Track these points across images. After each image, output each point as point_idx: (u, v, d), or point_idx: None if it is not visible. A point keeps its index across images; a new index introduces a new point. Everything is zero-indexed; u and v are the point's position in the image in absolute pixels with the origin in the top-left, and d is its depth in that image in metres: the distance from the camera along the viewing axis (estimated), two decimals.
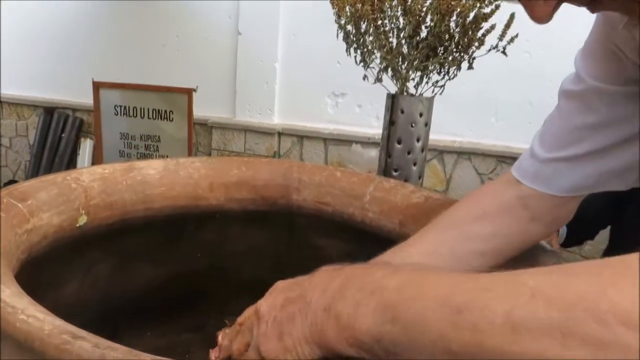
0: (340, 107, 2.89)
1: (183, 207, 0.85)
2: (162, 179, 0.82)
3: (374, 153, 2.21)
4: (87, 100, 2.75)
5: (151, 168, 0.82)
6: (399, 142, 1.03)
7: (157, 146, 2.53)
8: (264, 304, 0.49)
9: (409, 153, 1.03)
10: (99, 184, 0.73)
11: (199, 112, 2.62)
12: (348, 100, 2.86)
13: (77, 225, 0.69)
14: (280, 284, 0.51)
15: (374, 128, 2.70)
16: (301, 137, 2.92)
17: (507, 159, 2.67)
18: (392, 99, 1.07)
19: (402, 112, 1.05)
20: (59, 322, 0.43)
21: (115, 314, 0.92)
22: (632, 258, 0.31)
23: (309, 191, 0.88)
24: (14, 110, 3.46)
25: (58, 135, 3.27)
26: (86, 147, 3.23)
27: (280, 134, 2.95)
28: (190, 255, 0.95)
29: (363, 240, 0.90)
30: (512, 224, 0.67)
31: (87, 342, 0.41)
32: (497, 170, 2.79)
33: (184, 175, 0.84)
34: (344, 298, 0.40)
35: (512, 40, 1.08)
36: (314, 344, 0.42)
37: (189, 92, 2.38)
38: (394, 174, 1.03)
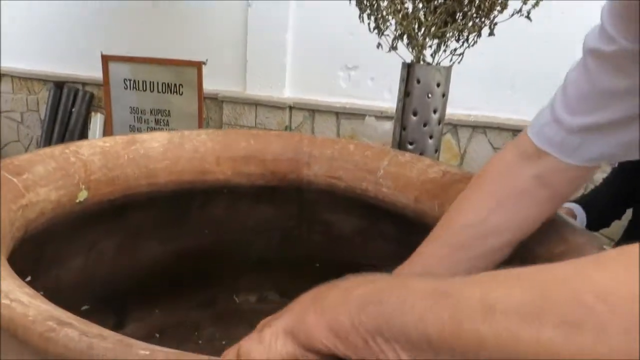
0: (353, 80, 2.83)
1: (189, 182, 0.81)
2: (166, 152, 0.78)
3: (387, 126, 2.16)
4: (97, 74, 2.72)
5: (154, 141, 0.78)
6: (415, 114, 0.98)
7: (167, 120, 2.50)
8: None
9: (425, 125, 0.98)
10: (100, 157, 0.70)
11: (209, 86, 2.57)
12: (360, 73, 2.80)
13: (77, 201, 0.66)
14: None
15: (387, 101, 2.64)
16: (313, 111, 2.87)
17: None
18: (408, 69, 1.02)
19: (418, 82, 1.00)
20: (46, 307, 0.40)
21: (123, 291, 0.90)
22: (631, 247, 0.29)
23: (320, 165, 0.84)
24: (24, 85, 3.44)
25: (69, 110, 3.25)
26: (97, 121, 3.20)
27: (291, 108, 2.90)
28: (197, 232, 0.93)
29: (376, 216, 0.86)
30: (529, 207, 0.62)
31: (74, 329, 0.37)
32: None
33: (190, 148, 0.80)
34: (332, 293, 0.38)
35: (537, 3, 1.01)
36: (290, 337, 0.38)
37: (198, 66, 2.33)
38: (409, 147, 0.98)
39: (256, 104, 2.99)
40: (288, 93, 3.02)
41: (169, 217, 0.85)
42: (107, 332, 0.38)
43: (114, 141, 0.73)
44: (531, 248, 0.61)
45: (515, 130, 2.73)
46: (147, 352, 0.36)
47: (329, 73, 2.94)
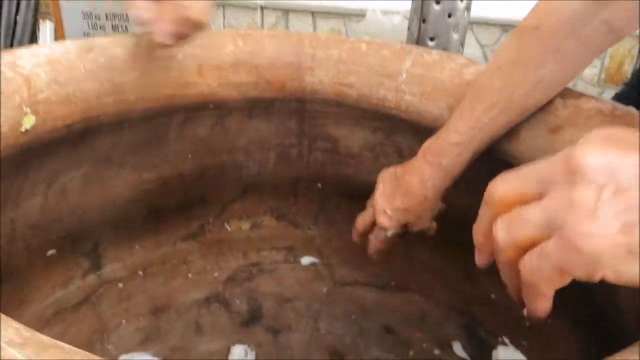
0: None
1: (165, 98, 0.65)
2: (134, 61, 0.61)
3: (397, 20, 1.95)
4: None
5: (117, 46, 0.61)
6: (438, 2, 0.80)
7: (126, 26, 2.24)
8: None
9: (449, 16, 0.81)
10: (47, 70, 0.53)
11: None
12: None
13: (22, 129, 0.50)
14: None
15: None
16: (287, 11, 2.63)
17: (512, 27, 2.44)
18: None
19: None
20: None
21: (94, 230, 0.76)
22: None
23: (326, 71, 0.69)
24: None
25: (13, 19, 2.91)
26: (46, 29, 2.88)
27: (263, 8, 2.65)
28: (179, 156, 0.78)
29: (394, 130, 0.72)
30: (592, 54, 0.54)
31: None
32: (501, 40, 2.58)
33: (163, 55, 0.63)
34: None
35: None
36: None
37: None
38: (430, 43, 0.82)
39: (224, 4, 2.72)
40: None
41: (143, 140, 0.70)
42: None
43: (63, 48, 0.55)
44: None
45: (503, 25, 2.58)
46: None
47: None
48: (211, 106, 0.70)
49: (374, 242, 0.68)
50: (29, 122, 0.50)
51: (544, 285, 0.30)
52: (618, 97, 1.28)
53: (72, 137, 0.57)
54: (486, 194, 0.33)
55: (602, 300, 0.58)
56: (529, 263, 0.30)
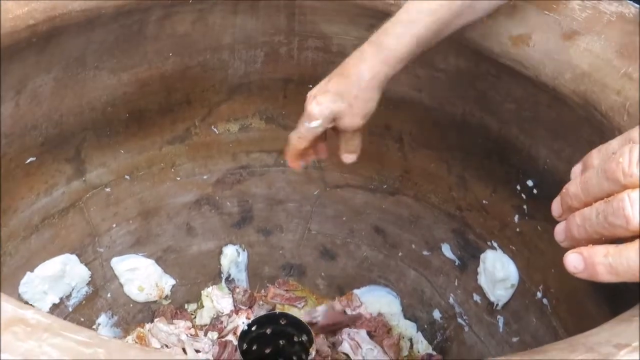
0: None
1: None
2: None
3: None
4: None
5: None
6: None
7: None
8: None
9: None
10: None
11: None
12: None
13: None
14: None
15: None
16: None
17: None
18: None
19: None
20: None
21: (74, 135, 0.73)
22: None
23: None
24: None
25: None
26: None
27: None
28: (158, 55, 0.72)
29: None
30: None
31: None
32: None
33: None
34: None
35: None
36: None
37: None
38: None
39: None
40: None
41: (118, 40, 0.64)
42: None
43: None
44: None
45: None
46: None
47: None
48: (191, 0, 0.64)
49: (296, 139, 0.61)
50: None
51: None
52: None
53: (37, 40, 0.52)
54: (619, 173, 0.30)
55: None
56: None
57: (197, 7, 0.66)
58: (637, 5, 0.46)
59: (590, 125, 0.48)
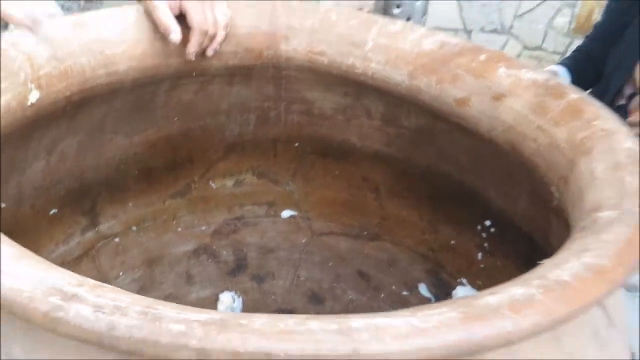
0: None
1: (152, 67, 0.71)
2: (123, 34, 0.67)
3: None
4: None
5: (107, 19, 0.66)
6: None
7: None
8: None
9: None
10: (46, 47, 0.58)
11: None
12: None
13: (29, 103, 0.56)
14: None
15: None
16: None
17: None
18: None
19: None
20: (44, 274, 0.32)
21: (91, 190, 0.83)
22: None
23: (300, 39, 0.75)
24: None
25: None
26: None
27: None
28: (166, 120, 0.84)
29: (362, 94, 0.79)
30: None
31: (85, 305, 0.31)
32: None
33: (150, 27, 0.69)
34: None
35: None
36: None
37: None
38: (396, 11, 0.88)
39: None
40: None
41: (133, 108, 0.76)
42: (124, 299, 0.32)
43: (59, 25, 0.61)
44: None
45: None
46: (182, 327, 0.31)
47: None
48: (194, 74, 0.76)
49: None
50: (33, 96, 0.56)
51: None
52: (578, 50, 1.32)
53: (71, 108, 0.63)
54: None
55: (542, 246, 0.67)
56: None
57: (199, 79, 0.78)
58: (550, 75, 0.58)
59: (521, 168, 0.59)
